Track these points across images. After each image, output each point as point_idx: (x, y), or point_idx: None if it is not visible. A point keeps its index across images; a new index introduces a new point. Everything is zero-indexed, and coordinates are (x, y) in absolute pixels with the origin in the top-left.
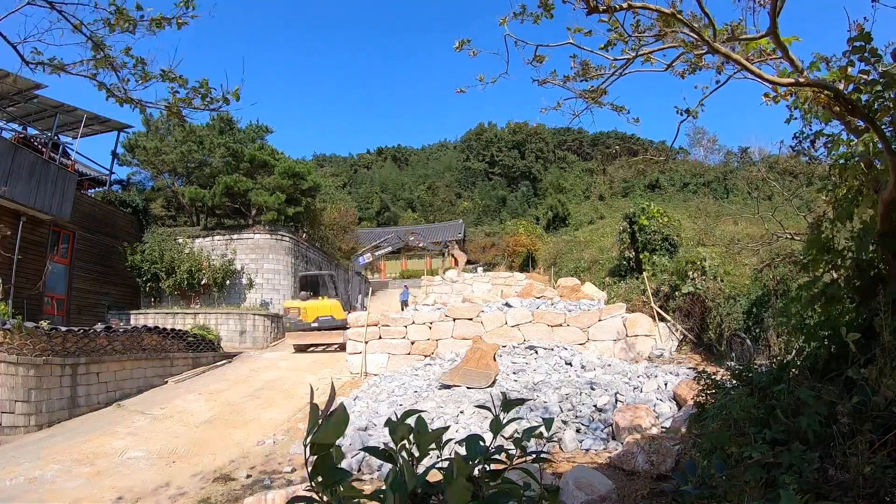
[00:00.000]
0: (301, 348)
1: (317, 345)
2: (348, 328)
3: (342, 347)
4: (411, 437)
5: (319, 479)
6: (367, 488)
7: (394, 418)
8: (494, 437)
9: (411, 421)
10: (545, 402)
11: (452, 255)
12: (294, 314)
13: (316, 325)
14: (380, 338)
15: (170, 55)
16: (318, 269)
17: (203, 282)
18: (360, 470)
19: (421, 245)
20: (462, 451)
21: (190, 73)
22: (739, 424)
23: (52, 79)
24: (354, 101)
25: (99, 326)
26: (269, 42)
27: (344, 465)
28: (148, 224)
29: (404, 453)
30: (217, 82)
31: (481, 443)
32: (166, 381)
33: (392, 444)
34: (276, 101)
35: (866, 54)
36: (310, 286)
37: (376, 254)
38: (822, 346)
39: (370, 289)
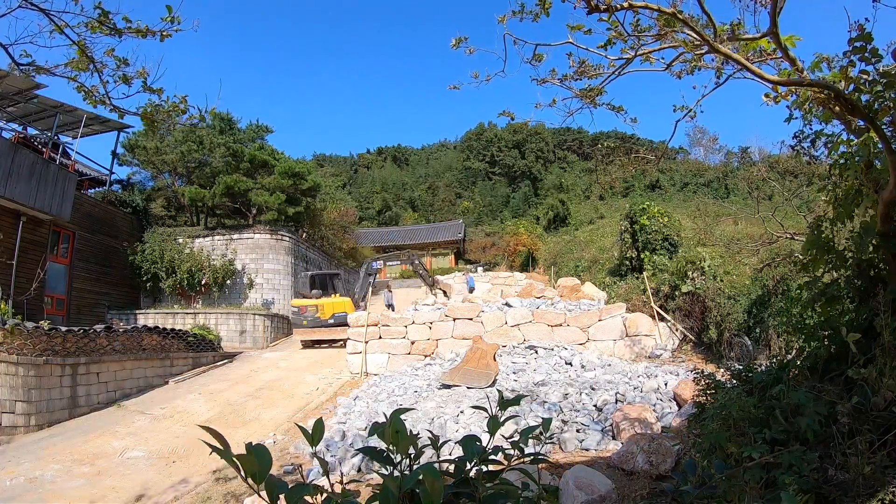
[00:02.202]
0: (309, 344)
1: (324, 340)
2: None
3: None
4: (392, 441)
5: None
6: (367, 490)
7: None
8: (492, 437)
9: (404, 417)
10: (545, 402)
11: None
12: (311, 311)
13: (332, 321)
14: (380, 338)
15: (156, 63)
16: (319, 269)
17: (203, 282)
18: (360, 470)
19: (420, 272)
20: (459, 451)
21: (185, 73)
22: (739, 424)
23: (53, 79)
24: (354, 102)
25: (99, 326)
26: (270, 42)
27: (345, 465)
28: (148, 224)
29: (399, 455)
30: (208, 82)
31: (478, 443)
32: (167, 381)
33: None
34: (276, 102)
35: (867, 54)
36: (319, 285)
37: (388, 264)
38: (822, 346)
39: (370, 289)
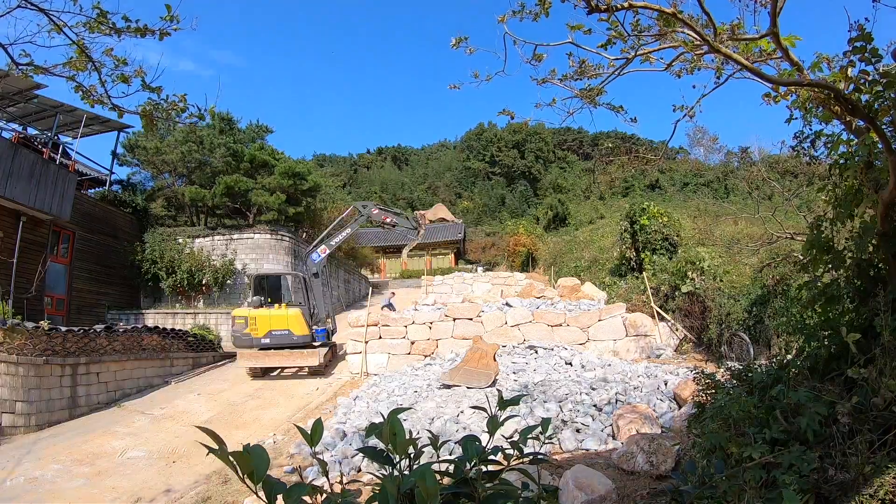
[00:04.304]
0: (258, 373)
1: (281, 368)
2: (315, 345)
3: (315, 372)
4: (389, 441)
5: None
6: (367, 490)
7: None
8: (491, 437)
9: (403, 417)
10: (545, 402)
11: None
12: (240, 326)
13: (267, 341)
14: (380, 338)
15: (155, 62)
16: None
17: (203, 282)
18: (360, 470)
19: (388, 220)
20: (459, 451)
21: (185, 73)
22: (739, 424)
23: (53, 79)
24: (354, 101)
25: (99, 326)
26: (270, 42)
27: (345, 465)
28: (148, 224)
29: (398, 455)
30: (207, 81)
31: (478, 443)
32: (167, 381)
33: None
34: (276, 101)
35: (867, 54)
36: (268, 289)
37: (331, 243)
38: (822, 346)
39: (370, 289)
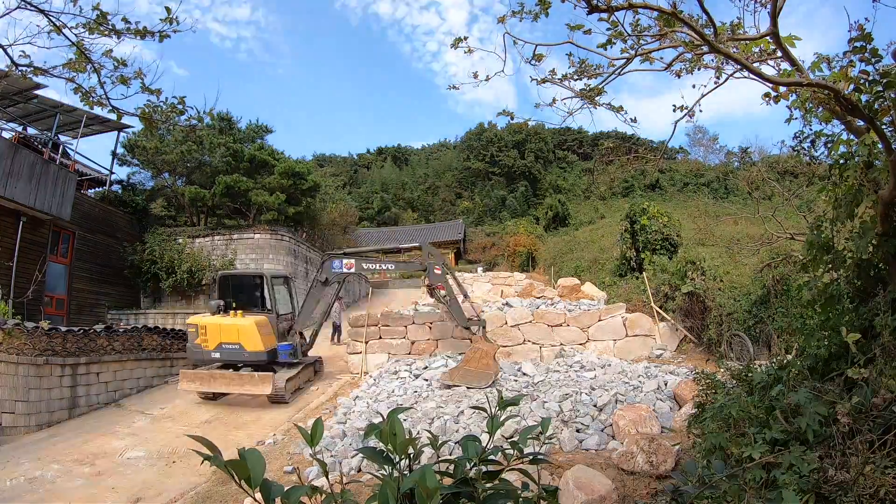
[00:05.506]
0: (208, 396)
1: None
2: (275, 369)
3: (273, 400)
4: (389, 441)
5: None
6: (367, 490)
7: None
8: (491, 437)
9: (403, 417)
10: (545, 402)
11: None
12: (192, 335)
13: (217, 355)
14: (380, 338)
15: (155, 63)
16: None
17: (203, 282)
18: (360, 470)
19: (443, 293)
20: (459, 451)
21: (186, 73)
22: (739, 424)
23: (52, 79)
24: (354, 101)
25: (99, 326)
26: (270, 42)
27: (345, 465)
28: (148, 224)
29: (398, 455)
30: (208, 82)
31: (478, 443)
32: (167, 381)
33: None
34: (276, 101)
35: (867, 54)
36: (241, 291)
37: (363, 265)
38: (822, 346)
39: (370, 289)
